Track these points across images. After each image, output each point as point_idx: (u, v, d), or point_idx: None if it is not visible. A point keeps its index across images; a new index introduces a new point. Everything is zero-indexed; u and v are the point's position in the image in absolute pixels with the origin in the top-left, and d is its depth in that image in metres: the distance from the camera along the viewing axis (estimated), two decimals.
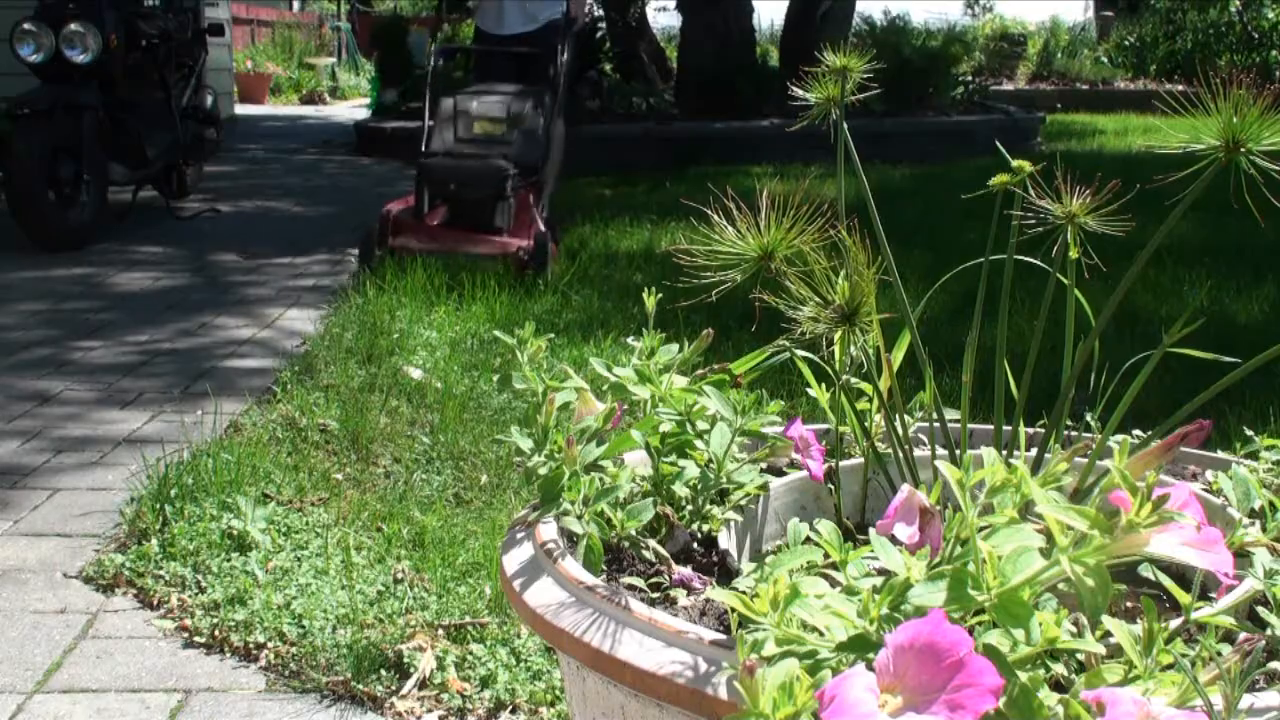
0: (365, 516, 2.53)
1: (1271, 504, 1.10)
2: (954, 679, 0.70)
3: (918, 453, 1.22)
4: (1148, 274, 4.57)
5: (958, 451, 1.21)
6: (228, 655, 2.07)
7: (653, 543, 1.10)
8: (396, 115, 9.96)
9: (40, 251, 5.49)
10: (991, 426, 1.24)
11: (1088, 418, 1.31)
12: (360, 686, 1.93)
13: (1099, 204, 1.11)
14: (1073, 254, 1.16)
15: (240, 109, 13.27)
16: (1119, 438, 1.11)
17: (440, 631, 2.05)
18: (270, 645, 2.06)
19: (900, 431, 1.19)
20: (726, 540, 1.13)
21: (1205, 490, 1.22)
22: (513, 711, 1.87)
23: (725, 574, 1.09)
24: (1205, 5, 14.95)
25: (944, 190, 6.87)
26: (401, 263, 4.64)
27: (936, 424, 1.24)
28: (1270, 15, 14.74)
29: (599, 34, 10.19)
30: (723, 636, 0.88)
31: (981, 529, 0.80)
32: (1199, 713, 0.73)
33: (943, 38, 10.95)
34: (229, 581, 2.24)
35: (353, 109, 14.17)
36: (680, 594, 1.03)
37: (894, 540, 0.89)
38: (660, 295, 1.38)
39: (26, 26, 5.65)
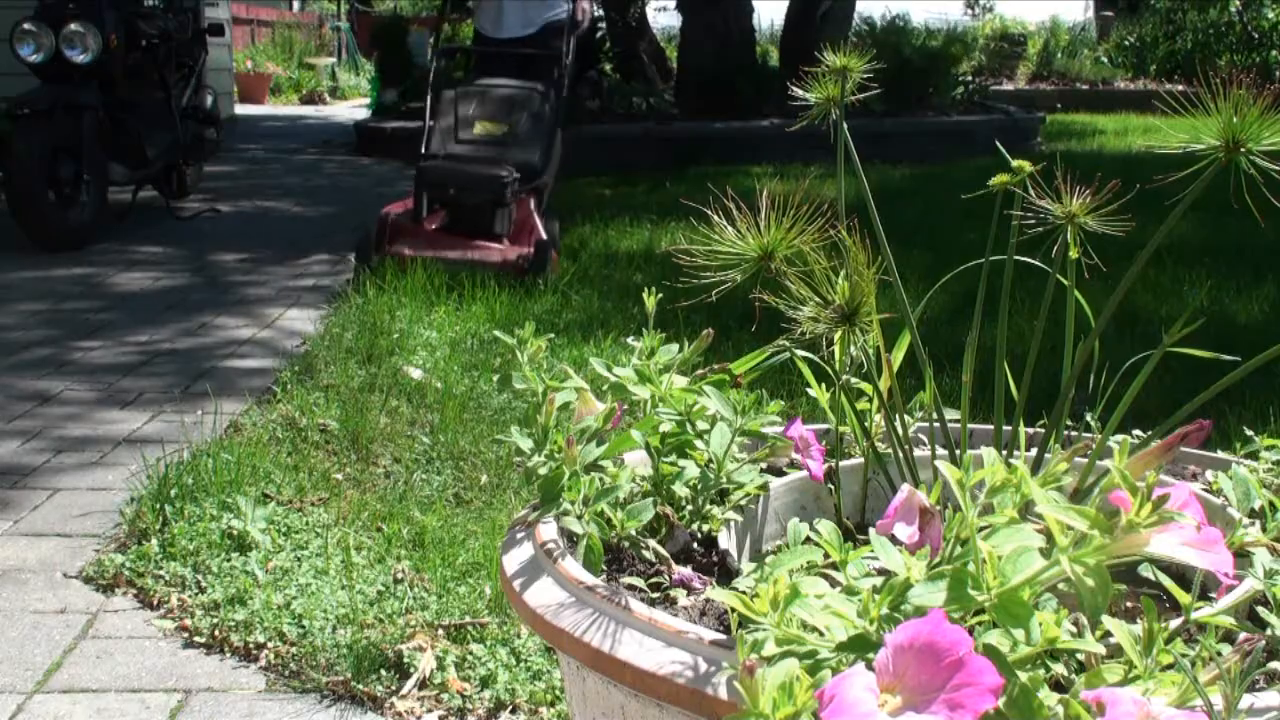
0: (365, 516, 2.53)
1: (1271, 504, 1.10)
2: (954, 679, 0.70)
3: (918, 453, 1.22)
4: (1148, 274, 4.57)
5: (958, 451, 1.21)
6: (228, 655, 2.07)
7: (653, 543, 1.10)
8: (396, 115, 9.96)
9: (40, 251, 5.49)
10: (991, 426, 1.24)
11: (1088, 418, 1.31)
12: (360, 686, 1.93)
13: (1099, 204, 1.11)
14: (1073, 254, 1.16)
15: (240, 109, 13.27)
16: (1119, 438, 1.11)
17: (440, 631, 2.05)
18: (270, 645, 2.06)
19: (900, 431, 1.19)
20: (726, 540, 1.13)
21: (1205, 490, 1.22)
22: (513, 711, 1.87)
23: (725, 574, 1.09)
24: (1205, 5, 14.95)
25: (944, 190, 6.87)
26: (401, 263, 4.63)
27: (936, 424, 1.24)
28: (1270, 15, 14.74)
29: (599, 34, 10.19)
30: (723, 636, 0.88)
31: (981, 529, 0.80)
32: (1199, 713, 0.73)
33: (943, 38, 10.95)
34: (229, 581, 2.24)
35: (353, 109, 14.17)
36: (680, 594, 1.04)
37: (894, 540, 0.89)
38: (660, 295, 1.38)
39: (26, 26, 5.65)
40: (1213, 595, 1.02)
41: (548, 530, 1.09)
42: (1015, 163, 1.15)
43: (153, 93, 6.50)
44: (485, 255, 4.79)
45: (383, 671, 1.95)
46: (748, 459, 1.22)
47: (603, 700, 0.96)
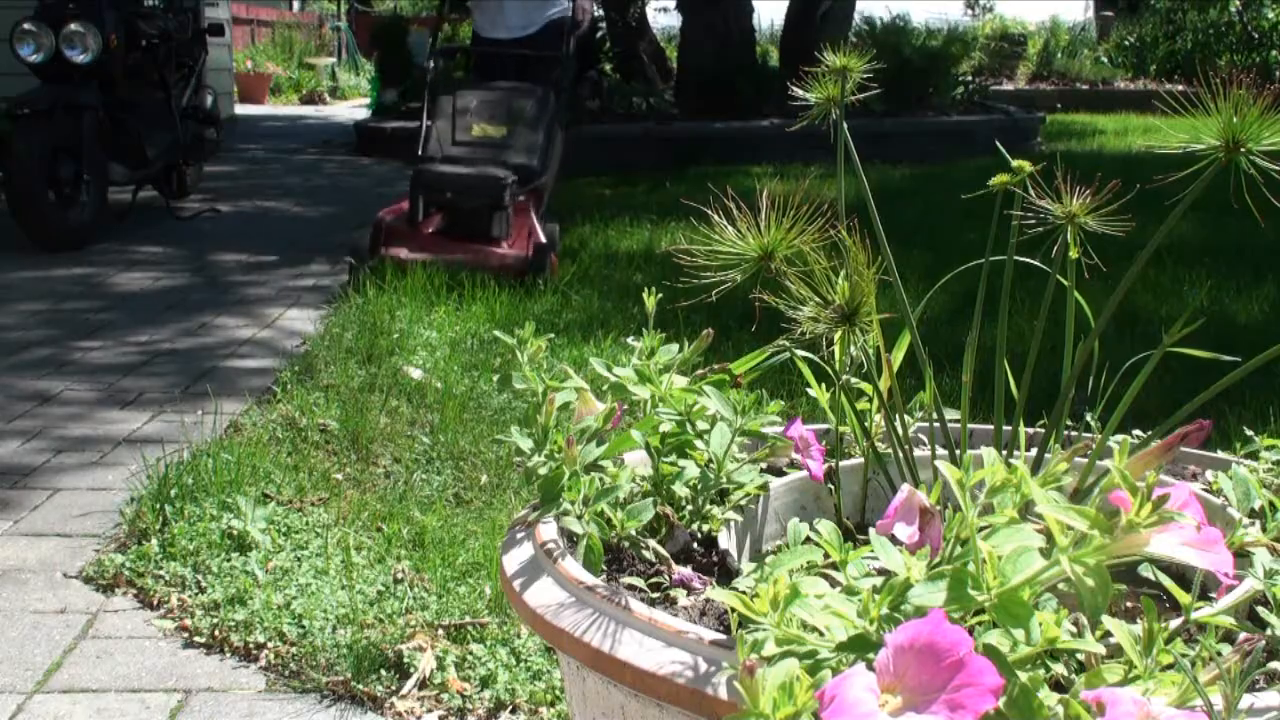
0: (365, 516, 2.53)
1: (1271, 504, 1.10)
2: (954, 679, 0.70)
3: (918, 453, 1.22)
4: (1148, 274, 4.57)
5: (958, 451, 1.21)
6: (228, 655, 2.07)
7: (653, 543, 1.10)
8: (396, 115, 9.96)
9: (40, 251, 5.49)
10: (991, 426, 1.24)
11: (1088, 418, 1.31)
12: (360, 686, 1.93)
13: (1099, 204, 1.11)
14: (1073, 254, 1.16)
15: (240, 109, 13.27)
16: (1119, 438, 1.11)
17: (440, 631, 2.05)
18: (270, 645, 2.06)
19: (900, 431, 1.19)
20: (726, 540, 1.13)
21: (1205, 490, 1.22)
22: (513, 711, 1.87)
23: (725, 574, 1.09)
24: (1205, 5, 14.95)
25: (944, 190, 6.87)
26: (400, 267, 4.61)
27: (936, 424, 1.24)
28: (1270, 15, 14.74)
29: (599, 34, 10.18)
30: (723, 636, 0.88)
31: (981, 529, 0.80)
32: (1199, 713, 0.73)
33: (943, 38, 10.94)
34: (229, 581, 2.24)
35: (353, 109, 14.17)
36: (680, 594, 1.04)
37: (894, 540, 0.89)
38: (660, 295, 1.38)
39: (26, 26, 5.65)
40: (1213, 595, 1.02)
41: (548, 530, 1.09)
42: (1015, 163, 1.14)
43: (153, 93, 6.50)
44: (483, 259, 4.72)
45: (383, 671, 1.95)
46: (748, 459, 1.22)
47: (603, 700, 0.96)
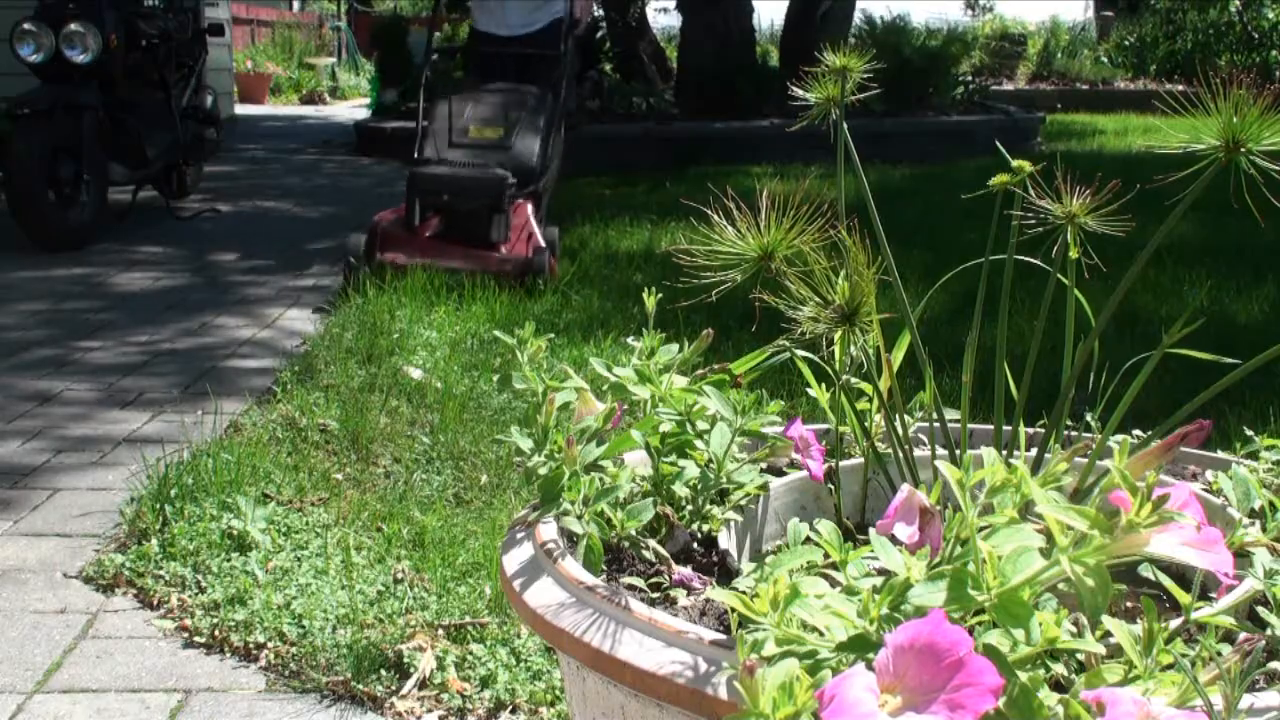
0: (365, 516, 2.53)
1: (1271, 504, 1.10)
2: (954, 679, 0.70)
3: (918, 453, 1.22)
4: (1148, 274, 4.57)
5: (958, 451, 1.21)
6: (228, 655, 2.07)
7: (653, 543, 1.10)
8: (396, 115, 9.95)
9: (40, 251, 5.49)
10: (991, 426, 1.24)
11: (1088, 418, 1.31)
12: (360, 686, 1.93)
13: (1099, 204, 1.11)
14: (1073, 254, 1.16)
15: (240, 109, 13.27)
16: (1119, 438, 1.11)
17: (440, 631, 2.05)
18: (270, 645, 2.06)
19: (900, 431, 1.19)
20: (726, 540, 1.13)
21: (1205, 490, 1.22)
22: (513, 711, 1.87)
23: (725, 574, 1.09)
24: (1205, 5, 14.95)
25: (944, 190, 6.87)
26: (399, 271, 4.58)
27: (936, 424, 1.24)
28: (1270, 15, 14.74)
29: (599, 34, 10.18)
30: (723, 636, 0.88)
31: (981, 529, 0.80)
32: (1199, 713, 0.73)
33: (943, 38, 10.95)
34: (229, 581, 2.24)
35: (353, 109, 14.17)
36: (680, 594, 1.04)
37: (894, 540, 0.89)
38: (660, 295, 1.38)
39: (26, 26, 5.65)
40: (1213, 595, 1.02)
41: (548, 530, 1.09)
42: (1015, 163, 1.15)
43: (153, 93, 6.50)
44: (481, 263, 4.65)
45: (383, 671, 1.95)
46: (748, 459, 1.22)
47: (603, 700, 0.96)
